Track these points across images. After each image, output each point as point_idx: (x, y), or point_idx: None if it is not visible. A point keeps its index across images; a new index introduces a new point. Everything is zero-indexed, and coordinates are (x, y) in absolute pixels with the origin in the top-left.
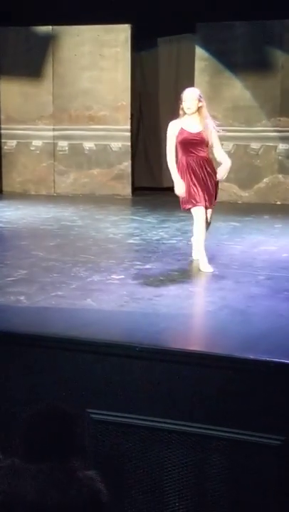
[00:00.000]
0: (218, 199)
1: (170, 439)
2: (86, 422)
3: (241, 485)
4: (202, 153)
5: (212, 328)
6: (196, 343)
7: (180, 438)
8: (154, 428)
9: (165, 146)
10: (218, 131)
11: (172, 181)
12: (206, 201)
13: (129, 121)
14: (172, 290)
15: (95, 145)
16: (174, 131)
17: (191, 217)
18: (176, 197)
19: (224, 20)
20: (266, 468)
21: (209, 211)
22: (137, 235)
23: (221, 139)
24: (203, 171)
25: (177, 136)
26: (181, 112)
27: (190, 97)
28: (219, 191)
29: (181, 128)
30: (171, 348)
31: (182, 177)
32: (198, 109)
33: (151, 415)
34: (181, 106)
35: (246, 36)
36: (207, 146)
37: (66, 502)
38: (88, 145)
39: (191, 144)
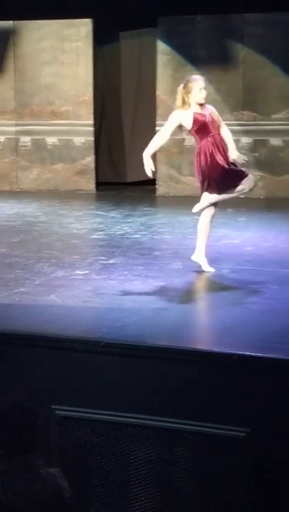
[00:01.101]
0: (183, 193)
1: (135, 434)
2: (51, 419)
3: (207, 478)
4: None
5: (176, 321)
6: (160, 337)
7: (145, 432)
8: (119, 423)
9: (127, 139)
10: None
11: (136, 176)
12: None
13: (92, 116)
14: (136, 285)
15: (58, 140)
16: (183, 120)
17: (155, 212)
18: (140, 192)
19: (186, 14)
20: (232, 460)
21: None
22: (101, 230)
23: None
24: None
25: (194, 124)
26: (189, 102)
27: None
28: (183, 186)
29: (195, 114)
30: (136, 342)
31: (211, 158)
32: None
33: (116, 410)
34: (189, 95)
35: (208, 30)
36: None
37: (29, 499)
38: (51, 140)
39: (212, 125)
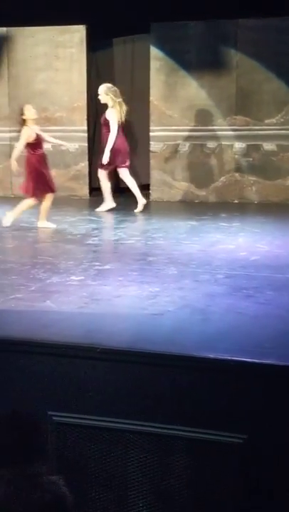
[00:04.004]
0: (176, 198)
1: (132, 440)
2: (48, 425)
3: (203, 484)
4: None
5: (172, 327)
6: (156, 343)
7: (142, 439)
8: (115, 429)
9: None
10: None
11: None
12: None
13: (85, 122)
14: (132, 290)
15: (52, 146)
16: None
17: (149, 218)
18: (133, 197)
19: (178, 20)
20: (228, 467)
21: None
22: (96, 236)
23: (178, 138)
24: None
25: None
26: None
27: None
28: (176, 191)
29: None
30: (132, 348)
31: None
32: None
33: (112, 416)
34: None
35: (201, 35)
36: None
37: (30, 508)
38: (45, 146)
39: None
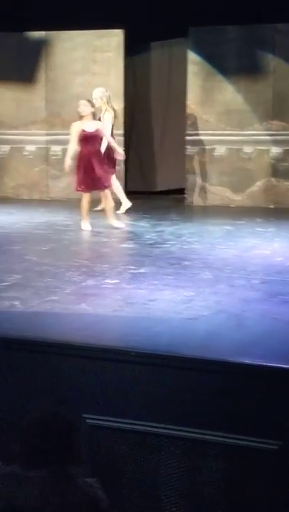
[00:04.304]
0: (211, 203)
1: (165, 444)
2: (82, 427)
3: (237, 490)
4: None
5: (207, 332)
6: (190, 348)
7: (175, 443)
8: (149, 433)
9: (156, 149)
10: None
11: (165, 185)
12: None
13: (122, 125)
14: (166, 294)
15: None
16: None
17: (184, 222)
18: (168, 201)
19: (216, 24)
20: (263, 473)
21: None
22: (131, 239)
23: (214, 142)
24: None
25: None
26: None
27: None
28: (212, 195)
29: None
30: (166, 352)
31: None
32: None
33: (146, 420)
34: None
35: (238, 40)
36: None
37: (66, 509)
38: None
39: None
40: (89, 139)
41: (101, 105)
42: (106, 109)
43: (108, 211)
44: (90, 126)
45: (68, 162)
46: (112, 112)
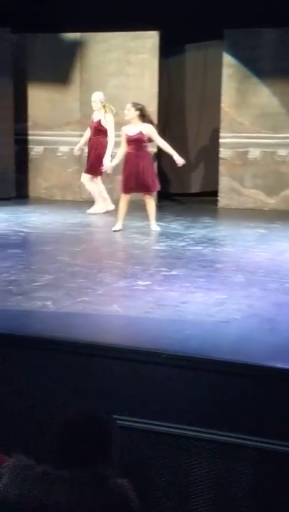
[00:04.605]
0: (245, 206)
1: (196, 447)
2: (113, 429)
3: (268, 495)
4: None
5: (239, 336)
6: (222, 351)
7: (206, 446)
8: (179, 435)
9: (190, 150)
10: None
11: (199, 187)
12: None
13: (156, 127)
14: (198, 297)
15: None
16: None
17: (217, 224)
18: (201, 204)
19: (252, 26)
20: None
21: None
22: (163, 241)
23: (248, 145)
24: None
25: None
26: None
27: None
28: (245, 198)
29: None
30: (197, 355)
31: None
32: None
33: (177, 422)
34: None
35: (274, 43)
36: None
37: (98, 510)
38: (115, 151)
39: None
40: (131, 142)
41: (101, 108)
42: (105, 112)
43: (150, 214)
44: (132, 129)
45: (109, 163)
46: (112, 113)
